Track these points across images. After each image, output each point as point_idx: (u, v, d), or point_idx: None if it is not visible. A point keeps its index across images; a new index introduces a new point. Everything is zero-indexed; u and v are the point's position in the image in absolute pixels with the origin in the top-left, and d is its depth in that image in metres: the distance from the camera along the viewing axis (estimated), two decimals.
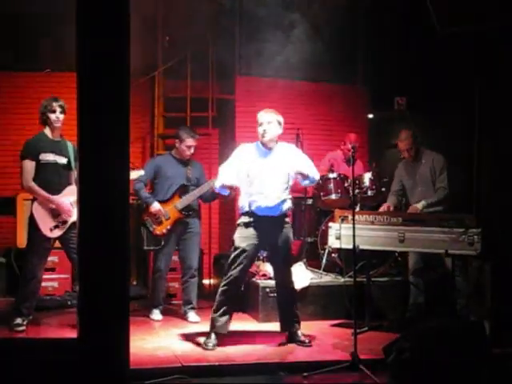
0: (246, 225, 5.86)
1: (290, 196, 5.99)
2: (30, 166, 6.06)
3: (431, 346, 4.71)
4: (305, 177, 5.93)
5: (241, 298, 6.26)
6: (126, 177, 4.05)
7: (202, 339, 5.83)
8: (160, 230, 6.72)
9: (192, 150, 6.82)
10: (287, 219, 6.00)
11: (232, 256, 5.87)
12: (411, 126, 7.12)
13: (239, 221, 5.93)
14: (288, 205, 5.94)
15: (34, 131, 6.31)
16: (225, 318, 5.82)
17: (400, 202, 7.07)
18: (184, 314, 6.85)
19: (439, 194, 6.75)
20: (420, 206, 6.69)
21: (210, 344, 5.71)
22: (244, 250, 5.81)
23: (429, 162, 6.82)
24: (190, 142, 6.77)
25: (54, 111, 6.09)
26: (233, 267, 5.83)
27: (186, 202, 6.71)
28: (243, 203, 5.90)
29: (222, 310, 5.82)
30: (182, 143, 6.78)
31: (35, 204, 6.09)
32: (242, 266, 5.81)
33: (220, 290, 5.89)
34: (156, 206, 6.69)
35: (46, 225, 6.08)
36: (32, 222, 6.10)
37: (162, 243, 6.74)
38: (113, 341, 3.93)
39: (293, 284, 6.06)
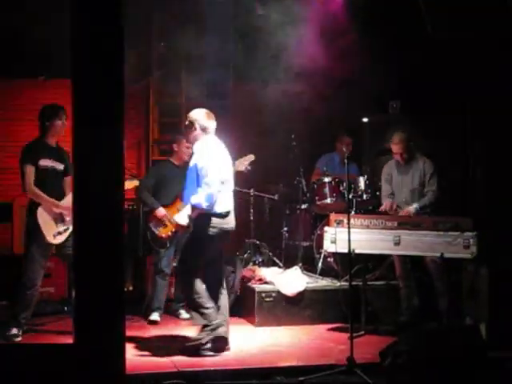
0: None
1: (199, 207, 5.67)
2: (31, 170, 6.01)
3: (427, 349, 4.72)
4: None
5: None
6: (120, 183, 4.06)
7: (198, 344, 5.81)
8: (165, 232, 6.76)
9: (191, 150, 6.87)
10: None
11: None
12: (406, 129, 7.08)
13: None
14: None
15: (29, 138, 6.28)
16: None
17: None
18: (175, 311, 7.01)
19: (430, 197, 6.71)
20: (413, 209, 6.63)
21: (205, 349, 5.67)
22: None
23: (419, 165, 6.78)
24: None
25: (61, 119, 6.09)
26: None
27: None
28: None
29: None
30: (180, 145, 6.99)
31: (40, 210, 5.99)
32: None
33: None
34: (162, 211, 6.79)
35: (50, 231, 6.01)
36: (35, 228, 5.98)
37: (168, 245, 6.82)
38: (109, 346, 3.94)
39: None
